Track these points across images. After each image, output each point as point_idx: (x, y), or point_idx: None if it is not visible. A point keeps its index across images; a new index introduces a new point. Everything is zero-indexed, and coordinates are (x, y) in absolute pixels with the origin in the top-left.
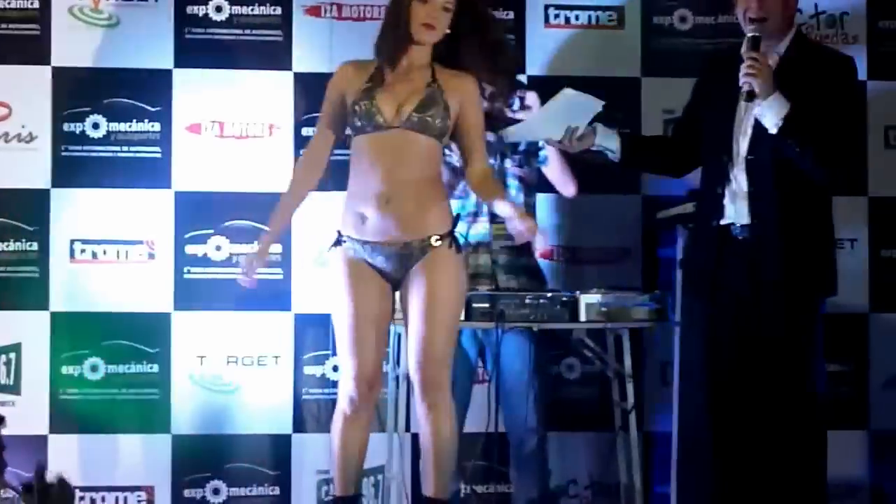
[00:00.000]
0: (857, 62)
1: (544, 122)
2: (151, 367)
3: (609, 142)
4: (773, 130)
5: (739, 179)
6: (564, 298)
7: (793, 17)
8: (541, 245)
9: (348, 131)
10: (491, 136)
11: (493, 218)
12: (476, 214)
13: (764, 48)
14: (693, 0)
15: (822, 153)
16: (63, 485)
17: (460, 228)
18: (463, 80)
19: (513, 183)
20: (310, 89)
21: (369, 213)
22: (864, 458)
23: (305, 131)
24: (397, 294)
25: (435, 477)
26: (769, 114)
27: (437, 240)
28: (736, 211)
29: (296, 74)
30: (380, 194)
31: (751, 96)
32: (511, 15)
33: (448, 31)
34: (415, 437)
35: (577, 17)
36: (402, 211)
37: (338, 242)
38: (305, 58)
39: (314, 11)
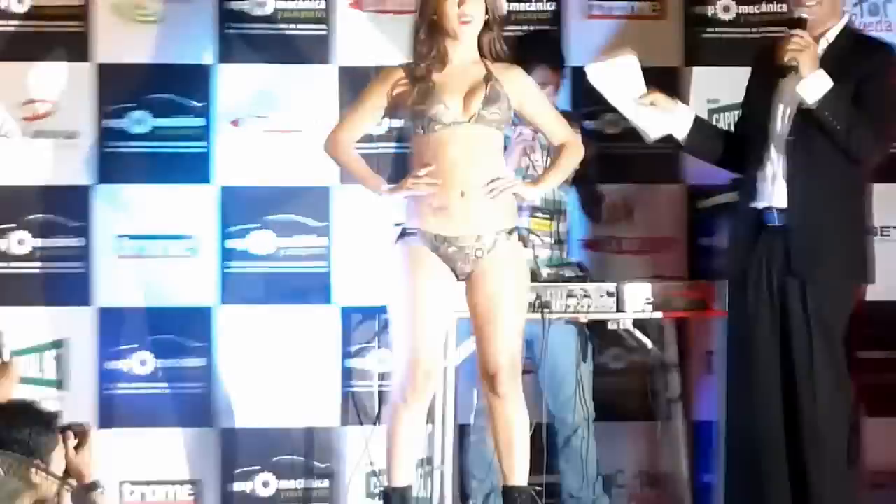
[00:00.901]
0: None
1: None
2: (197, 361)
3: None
4: (811, 104)
5: (777, 161)
6: (609, 289)
7: (839, 8)
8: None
9: (411, 129)
10: (530, 134)
11: (533, 212)
12: (518, 208)
13: (813, 36)
14: None
15: (857, 132)
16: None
17: None
18: (513, 70)
19: None
20: (353, 83)
21: (443, 207)
22: None
23: None
24: (462, 285)
25: (515, 466)
26: (809, 88)
27: (507, 233)
28: (773, 193)
29: (339, 68)
30: (454, 188)
31: (791, 69)
32: (553, 6)
33: (485, 19)
34: (462, 428)
35: (618, 8)
36: (475, 204)
37: (403, 235)
38: (349, 51)
39: (357, 5)
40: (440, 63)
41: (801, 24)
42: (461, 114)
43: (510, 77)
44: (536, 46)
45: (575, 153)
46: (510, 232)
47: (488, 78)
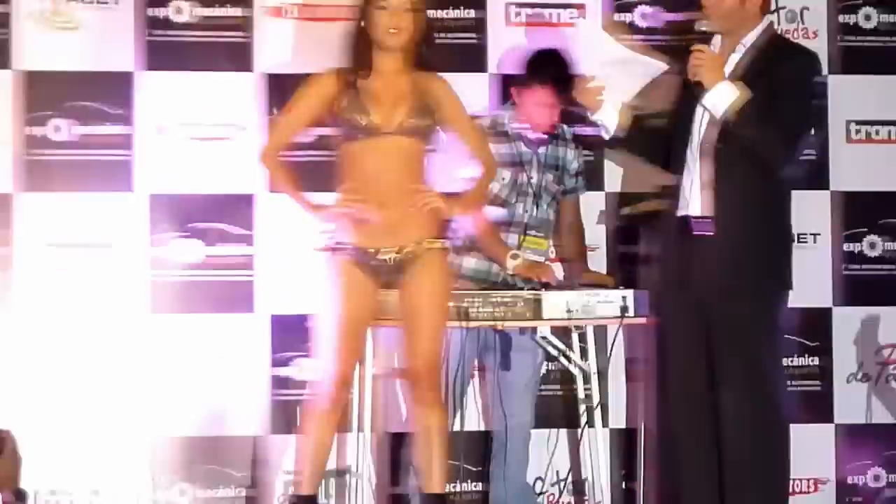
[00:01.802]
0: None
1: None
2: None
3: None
4: (719, 118)
5: (697, 168)
6: (529, 296)
7: (759, 13)
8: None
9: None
10: (528, 152)
11: (525, 229)
12: (509, 224)
13: (731, 41)
14: None
15: (767, 140)
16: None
17: None
18: (439, 82)
19: (546, 198)
20: (274, 90)
21: (366, 219)
22: (830, 451)
23: None
24: (389, 293)
25: (436, 473)
26: (716, 101)
27: (432, 242)
28: (695, 201)
29: (259, 75)
30: (377, 200)
31: (699, 85)
32: (472, 13)
33: (416, 31)
34: (389, 437)
35: (538, 15)
36: (399, 215)
37: (331, 248)
38: (269, 58)
39: (276, 12)
40: (368, 71)
41: (707, 37)
42: (386, 124)
43: (435, 88)
44: (543, 66)
45: (490, 173)
46: (434, 241)
47: (414, 88)
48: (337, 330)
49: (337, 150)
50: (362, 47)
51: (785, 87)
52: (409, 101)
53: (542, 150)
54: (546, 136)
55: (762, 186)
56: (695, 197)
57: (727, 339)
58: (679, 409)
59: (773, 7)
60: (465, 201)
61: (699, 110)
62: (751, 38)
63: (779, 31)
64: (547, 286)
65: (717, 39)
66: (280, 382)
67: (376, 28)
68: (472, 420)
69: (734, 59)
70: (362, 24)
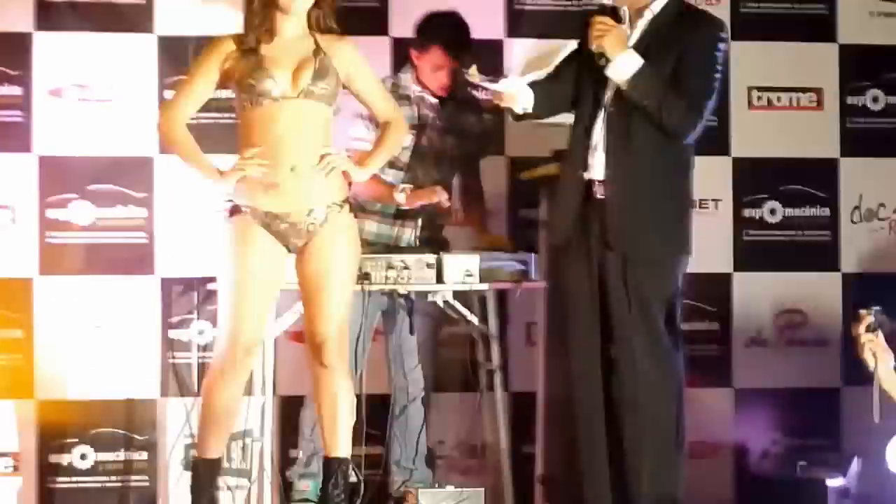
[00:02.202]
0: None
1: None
2: (15, 333)
3: (527, 101)
4: (624, 87)
5: (600, 132)
6: (430, 261)
7: None
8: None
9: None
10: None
11: None
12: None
13: (637, 9)
14: None
15: (669, 107)
16: None
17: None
18: (342, 44)
19: (446, 161)
20: (173, 52)
21: (274, 184)
22: (729, 415)
23: (169, 94)
24: (293, 258)
25: (338, 438)
26: (618, 71)
27: (339, 206)
28: (596, 165)
29: (159, 38)
30: (283, 164)
31: (601, 56)
32: None
33: None
34: (282, 400)
35: None
36: (305, 179)
37: (234, 211)
38: (169, 21)
39: None
40: (270, 36)
41: (603, 9)
42: (290, 88)
43: (339, 51)
44: (436, 27)
45: (399, 132)
46: (341, 204)
47: (317, 52)
48: (242, 293)
49: (237, 114)
50: (264, 11)
51: (692, 53)
52: (312, 64)
53: (442, 112)
54: (446, 99)
55: (663, 152)
56: (596, 160)
57: (624, 305)
58: (573, 373)
59: None
60: (373, 161)
61: (603, 78)
62: (658, 5)
63: None
64: (446, 246)
65: (625, 10)
66: (179, 345)
67: None
68: (373, 383)
69: (640, 27)
70: None
